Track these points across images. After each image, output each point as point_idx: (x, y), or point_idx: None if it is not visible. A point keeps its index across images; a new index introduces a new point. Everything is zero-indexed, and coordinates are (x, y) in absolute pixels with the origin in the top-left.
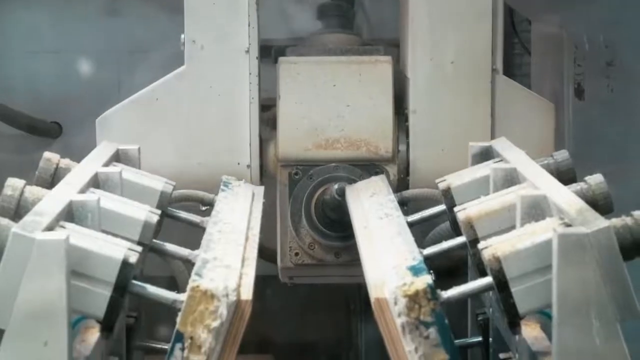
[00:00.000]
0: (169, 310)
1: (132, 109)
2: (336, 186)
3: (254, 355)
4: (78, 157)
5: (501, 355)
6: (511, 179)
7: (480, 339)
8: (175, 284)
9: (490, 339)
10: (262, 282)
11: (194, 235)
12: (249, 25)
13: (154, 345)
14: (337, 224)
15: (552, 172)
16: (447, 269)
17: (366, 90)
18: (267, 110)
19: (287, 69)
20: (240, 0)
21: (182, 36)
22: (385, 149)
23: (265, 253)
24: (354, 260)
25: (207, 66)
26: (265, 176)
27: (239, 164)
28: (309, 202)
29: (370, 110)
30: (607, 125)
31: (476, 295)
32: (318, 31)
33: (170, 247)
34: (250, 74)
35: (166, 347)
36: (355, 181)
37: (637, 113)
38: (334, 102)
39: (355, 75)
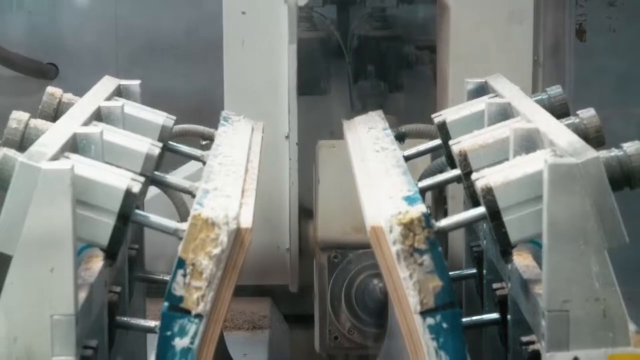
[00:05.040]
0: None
1: None
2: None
3: (252, 298)
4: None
5: (494, 285)
6: (505, 113)
7: (474, 270)
8: None
9: (484, 271)
10: None
11: None
12: (289, 112)
13: (154, 276)
14: (377, 313)
15: (545, 107)
16: None
17: None
18: None
19: (326, 152)
20: (281, 86)
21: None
22: None
23: None
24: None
25: None
26: (303, 257)
27: (278, 247)
28: (350, 288)
29: None
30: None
31: (470, 225)
32: (355, 112)
33: (172, 179)
34: (290, 159)
35: (166, 278)
36: None
37: (638, 54)
38: None
39: None
